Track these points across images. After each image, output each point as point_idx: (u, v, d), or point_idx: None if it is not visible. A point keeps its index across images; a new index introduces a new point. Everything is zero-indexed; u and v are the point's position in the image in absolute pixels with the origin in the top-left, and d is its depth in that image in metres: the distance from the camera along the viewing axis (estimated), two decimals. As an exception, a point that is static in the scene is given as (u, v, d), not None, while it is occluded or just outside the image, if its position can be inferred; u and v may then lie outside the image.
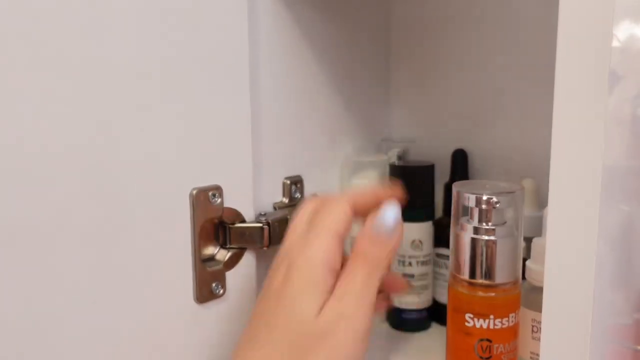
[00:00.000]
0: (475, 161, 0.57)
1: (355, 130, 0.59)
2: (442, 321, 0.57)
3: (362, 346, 0.37)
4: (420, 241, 0.53)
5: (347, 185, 0.56)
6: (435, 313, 0.58)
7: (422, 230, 0.54)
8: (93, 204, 0.35)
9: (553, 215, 0.32)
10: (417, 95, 0.63)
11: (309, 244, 0.38)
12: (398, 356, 0.51)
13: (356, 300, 0.37)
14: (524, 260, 0.42)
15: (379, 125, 0.63)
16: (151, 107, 0.38)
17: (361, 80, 0.60)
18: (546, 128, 0.55)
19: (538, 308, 0.40)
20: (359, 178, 0.55)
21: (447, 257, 0.55)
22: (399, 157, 0.58)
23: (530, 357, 0.41)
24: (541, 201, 0.52)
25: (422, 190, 0.54)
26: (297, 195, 0.51)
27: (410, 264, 0.54)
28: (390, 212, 0.39)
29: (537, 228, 0.44)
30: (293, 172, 0.51)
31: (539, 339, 0.40)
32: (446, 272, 0.56)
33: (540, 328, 0.40)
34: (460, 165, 0.56)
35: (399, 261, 0.54)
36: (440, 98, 0.62)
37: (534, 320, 0.40)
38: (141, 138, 0.37)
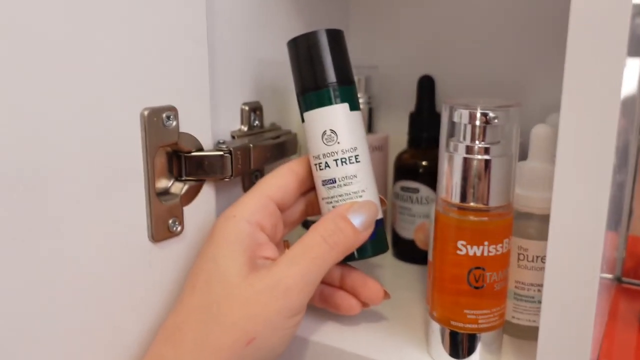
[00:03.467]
0: (441, 88, 0.54)
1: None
2: (404, 257, 0.55)
3: (288, 324, 0.34)
4: (334, 131, 0.37)
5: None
6: (397, 248, 0.55)
7: (335, 117, 0.37)
8: (26, 130, 0.29)
9: (564, 141, 0.29)
10: (378, 19, 0.59)
11: (235, 204, 0.37)
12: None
13: (296, 277, 0.34)
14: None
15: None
16: (90, 10, 0.31)
17: (321, 3, 0.54)
18: (515, 52, 0.52)
19: (525, 235, 0.38)
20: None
21: (411, 189, 0.53)
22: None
23: (516, 286, 0.39)
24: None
25: (329, 62, 0.38)
26: (257, 123, 0.46)
27: (327, 165, 0.38)
28: (369, 210, 0.37)
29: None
30: (251, 98, 0.46)
31: (525, 267, 0.38)
32: (411, 206, 0.53)
33: (526, 256, 0.38)
34: (427, 92, 0.52)
35: (315, 165, 0.38)
36: (404, 21, 0.57)
37: (520, 247, 0.38)
38: (78, 47, 0.31)
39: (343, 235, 0.36)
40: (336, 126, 0.37)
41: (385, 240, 0.39)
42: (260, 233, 0.37)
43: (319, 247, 0.35)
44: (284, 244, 0.41)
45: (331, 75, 0.37)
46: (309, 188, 0.40)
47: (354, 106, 0.38)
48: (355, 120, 0.38)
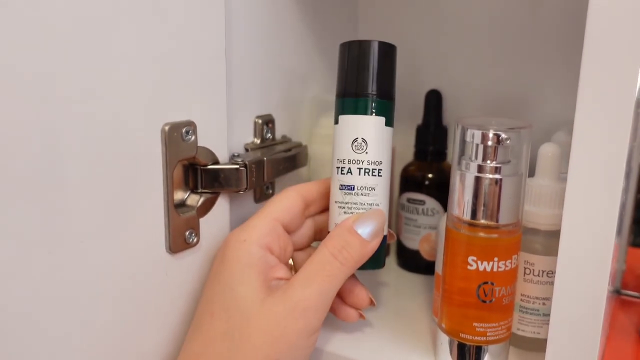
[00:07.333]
0: (448, 103, 0.55)
1: (324, 70, 0.55)
2: (408, 267, 0.56)
3: (308, 343, 0.35)
4: (365, 141, 0.38)
5: (315, 124, 0.52)
6: (402, 258, 0.56)
7: (370, 127, 0.38)
8: (46, 142, 0.30)
9: (576, 155, 0.30)
10: (387, 31, 0.60)
11: (243, 227, 0.38)
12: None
13: (313, 298, 0.35)
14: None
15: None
16: (113, 27, 0.32)
17: (331, 17, 0.56)
18: (522, 68, 0.53)
19: (531, 250, 0.39)
20: (326, 117, 0.51)
21: (417, 201, 0.54)
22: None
23: (521, 299, 0.40)
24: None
25: (376, 73, 0.38)
26: (269, 135, 0.47)
27: (349, 171, 0.38)
28: (377, 219, 0.37)
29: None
30: (264, 111, 0.46)
31: (530, 281, 0.40)
32: (417, 217, 0.54)
33: (532, 270, 0.39)
34: (434, 106, 0.53)
35: (336, 167, 0.39)
36: (412, 36, 0.59)
37: (526, 262, 0.39)
38: (100, 62, 0.32)
39: (352, 249, 0.36)
40: (369, 136, 0.38)
41: (383, 257, 0.40)
42: (270, 255, 0.37)
43: (330, 265, 0.35)
44: (292, 267, 0.42)
45: (375, 87, 0.38)
46: (314, 212, 0.41)
47: (389, 122, 0.39)
48: (387, 135, 0.39)
